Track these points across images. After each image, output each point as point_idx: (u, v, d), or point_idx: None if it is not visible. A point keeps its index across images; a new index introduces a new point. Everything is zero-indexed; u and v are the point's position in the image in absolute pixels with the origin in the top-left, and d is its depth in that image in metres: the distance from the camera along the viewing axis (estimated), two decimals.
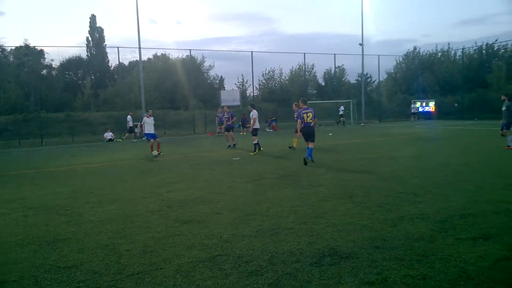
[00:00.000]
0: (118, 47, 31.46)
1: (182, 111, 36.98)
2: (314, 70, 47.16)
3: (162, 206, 6.90)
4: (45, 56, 39.74)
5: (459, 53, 42.11)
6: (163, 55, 44.28)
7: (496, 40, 40.48)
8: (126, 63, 44.25)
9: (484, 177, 8.30)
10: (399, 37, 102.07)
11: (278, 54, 54.28)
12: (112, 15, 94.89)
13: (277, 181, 8.93)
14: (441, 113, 37.78)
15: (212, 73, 45.77)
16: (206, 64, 44.49)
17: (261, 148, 15.03)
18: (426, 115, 38.02)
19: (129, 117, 26.37)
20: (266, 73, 45.46)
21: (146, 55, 46.15)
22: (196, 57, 42.87)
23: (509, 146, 12.99)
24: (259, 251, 4.48)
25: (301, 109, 11.81)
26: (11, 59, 38.57)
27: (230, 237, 5.02)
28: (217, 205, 6.84)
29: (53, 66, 40.76)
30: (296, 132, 15.57)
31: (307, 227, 5.30)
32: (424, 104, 38.89)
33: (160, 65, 43.08)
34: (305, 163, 11.30)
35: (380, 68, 41.44)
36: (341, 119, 33.22)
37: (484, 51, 40.97)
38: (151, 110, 16.29)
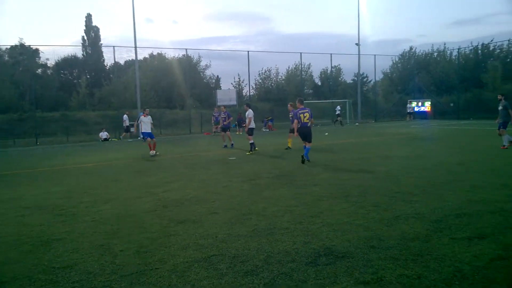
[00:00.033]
0: (113, 46, 31.29)
1: (178, 111, 36.94)
2: (310, 70, 47.38)
3: (157, 206, 6.87)
4: (40, 55, 39.54)
5: (455, 53, 42.31)
6: (159, 54, 44.27)
7: (491, 40, 40.79)
8: (122, 62, 44.14)
9: (479, 177, 8.33)
10: (395, 37, 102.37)
11: (275, 53, 54.42)
12: (108, 14, 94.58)
13: (273, 180, 8.92)
14: (437, 113, 37.93)
15: (208, 72, 45.83)
16: (203, 63, 44.57)
17: (256, 148, 15.01)
18: (422, 115, 38.17)
19: (125, 116, 26.29)
20: (262, 72, 45.62)
21: (142, 54, 46.06)
22: (192, 56, 42.86)
23: (504, 145, 13.05)
24: (254, 251, 4.47)
25: (298, 109, 11.80)
26: (6, 58, 38.34)
27: (225, 237, 5.00)
28: (212, 204, 6.82)
29: (48, 65, 40.68)
30: (291, 132, 15.65)
31: (303, 226, 5.30)
32: (420, 104, 39.04)
33: (156, 64, 43.02)
34: (303, 162, 11.34)
35: (376, 68, 41.57)
36: (339, 118, 33.31)
37: (479, 51, 41.17)
38: (148, 109, 16.24)
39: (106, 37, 79.31)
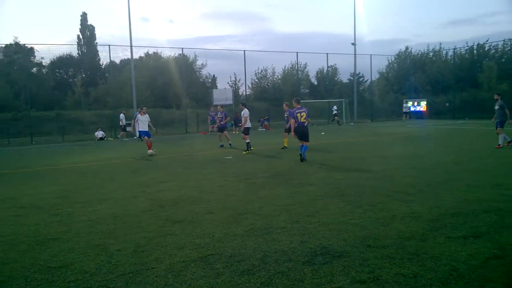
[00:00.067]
0: (109, 45, 31.26)
1: (174, 110, 36.83)
2: (306, 69, 47.37)
3: (153, 206, 6.86)
4: (36, 54, 39.42)
5: (450, 53, 42.50)
6: (155, 54, 44.10)
7: (487, 41, 41.01)
8: (117, 61, 43.92)
9: (475, 176, 8.37)
10: (391, 36, 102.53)
11: (271, 53, 54.47)
12: (104, 13, 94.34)
13: (269, 180, 8.93)
14: (433, 112, 38.06)
15: (204, 71, 45.68)
16: (199, 62, 44.41)
17: (252, 148, 14.98)
18: (418, 114, 38.28)
19: (122, 115, 26.19)
20: (258, 72, 45.57)
21: (138, 53, 45.74)
22: (188, 55, 42.74)
23: (499, 145, 13.13)
24: (251, 250, 4.47)
25: (295, 109, 11.81)
26: (1, 57, 38.09)
27: (222, 237, 5.00)
28: (209, 204, 6.82)
29: (44, 64, 40.39)
30: (286, 131, 15.67)
31: (299, 226, 5.31)
32: (416, 103, 39.16)
33: (152, 63, 42.89)
34: (302, 160, 11.40)
35: (372, 67, 41.75)
36: (336, 118, 33.41)
37: (475, 51, 41.37)
38: (145, 108, 16.18)
39: (101, 36, 78.87)
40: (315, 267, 3.94)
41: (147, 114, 15.77)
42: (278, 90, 43.50)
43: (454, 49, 40.76)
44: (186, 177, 9.78)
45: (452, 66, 40.09)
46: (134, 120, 16.63)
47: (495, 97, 13.96)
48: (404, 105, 39.38)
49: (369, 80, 46.47)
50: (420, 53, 46.56)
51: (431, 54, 45.82)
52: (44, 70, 40.91)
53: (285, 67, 45.91)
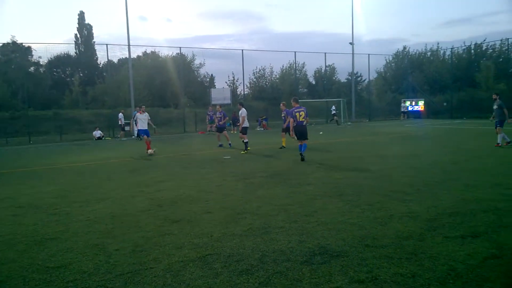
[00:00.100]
0: (107, 44, 31.10)
1: (172, 109, 36.80)
2: (304, 69, 47.42)
3: (151, 205, 6.85)
4: (33, 53, 39.25)
5: (448, 52, 42.54)
6: (153, 53, 44.03)
7: (484, 40, 41.01)
8: (115, 60, 43.80)
9: (473, 176, 8.39)
10: (389, 36, 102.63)
11: (269, 52, 54.21)
12: (101, 12, 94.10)
13: (267, 179, 8.93)
14: (431, 112, 38.15)
15: (202, 71, 45.71)
16: (197, 62, 44.44)
17: (249, 148, 14.91)
18: (416, 114, 38.36)
19: (120, 114, 26.13)
20: (256, 71, 45.57)
21: (136, 52, 45.82)
22: (186, 55, 42.69)
23: (498, 143, 13.19)
24: (249, 250, 4.47)
25: (293, 108, 11.82)
26: None
27: (220, 236, 5.00)
28: (207, 204, 6.82)
29: (41, 63, 40.29)
30: (284, 131, 15.68)
31: (298, 225, 5.31)
32: (413, 103, 39.23)
33: (149, 62, 42.80)
34: (302, 159, 11.42)
35: (370, 67, 41.74)
36: (335, 118, 33.49)
37: (472, 51, 41.40)
38: (144, 106, 16.11)
39: (99, 35, 78.94)
40: (313, 266, 3.94)
41: (146, 113, 15.72)
42: (276, 89, 43.50)
43: (451, 48, 40.88)
44: (185, 177, 9.77)
45: (449, 65, 40.15)
46: (133, 119, 16.59)
47: (494, 96, 14.01)
48: (402, 104, 39.45)
49: (367, 80, 46.54)
50: (417, 52, 46.69)
51: (428, 53, 45.92)
52: (41, 69, 40.81)
53: (283, 66, 45.98)
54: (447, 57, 42.96)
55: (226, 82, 43.64)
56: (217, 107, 18.44)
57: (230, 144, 16.98)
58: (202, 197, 7.33)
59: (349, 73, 44.78)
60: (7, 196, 8.17)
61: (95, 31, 49.98)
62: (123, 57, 41.10)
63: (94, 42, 46.48)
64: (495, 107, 13.74)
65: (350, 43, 37.70)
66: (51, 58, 40.29)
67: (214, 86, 41.98)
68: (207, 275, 3.85)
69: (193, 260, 4.25)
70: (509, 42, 38.24)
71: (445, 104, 38.48)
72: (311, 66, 51.74)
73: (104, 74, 39.94)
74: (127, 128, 26.27)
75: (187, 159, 13.66)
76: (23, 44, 37.33)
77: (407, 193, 6.94)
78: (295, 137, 11.86)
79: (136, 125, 15.78)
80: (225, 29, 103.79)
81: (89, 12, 73.82)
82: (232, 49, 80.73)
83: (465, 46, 41.71)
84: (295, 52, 38.37)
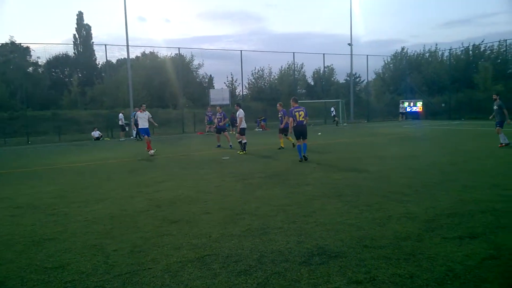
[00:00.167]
0: (105, 45, 31.28)
1: (171, 110, 36.78)
2: (303, 70, 47.46)
3: (150, 206, 6.85)
4: (31, 53, 39.26)
5: (446, 53, 42.71)
6: (152, 53, 43.99)
7: (482, 41, 41.16)
8: (114, 61, 43.86)
9: (471, 177, 8.40)
10: (387, 37, 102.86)
11: (268, 53, 54.66)
12: (100, 12, 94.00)
13: (265, 180, 8.93)
14: (429, 113, 38.22)
15: (201, 71, 45.66)
16: (195, 62, 44.39)
17: (243, 151, 14.66)
18: (414, 115, 38.43)
19: (121, 115, 26.13)
20: (255, 72, 45.59)
21: (134, 53, 45.71)
22: (185, 55, 42.69)
23: (502, 144, 13.23)
24: (248, 251, 4.47)
25: (293, 108, 11.85)
26: None
27: (219, 237, 5.00)
28: (206, 204, 6.82)
29: (39, 63, 40.22)
30: (281, 132, 15.70)
31: (296, 226, 5.31)
32: (412, 104, 39.30)
33: (148, 63, 42.78)
34: (306, 159, 11.50)
35: (368, 68, 41.98)
36: (336, 119, 33.63)
37: (470, 52, 41.53)
38: (144, 105, 16.03)
39: (97, 36, 78.68)
40: (311, 267, 3.95)
41: (146, 111, 15.67)
42: (274, 90, 43.52)
43: (449, 49, 41.05)
44: (183, 177, 9.77)
45: (447, 66, 40.28)
46: (134, 118, 16.56)
47: (494, 96, 14.09)
48: (400, 105, 39.51)
49: (366, 81, 46.70)
50: (416, 53, 46.81)
51: (427, 54, 46.03)
52: (40, 70, 40.73)
53: (281, 67, 46.02)
54: (445, 58, 43.13)
55: (225, 83, 43.71)
56: (217, 108, 18.40)
57: (230, 145, 16.92)
58: (201, 198, 7.33)
59: (347, 74, 45.00)
60: (5, 196, 8.15)
61: (93, 32, 49.99)
62: (122, 57, 41.25)
63: (92, 42, 46.40)
64: (495, 107, 13.81)
65: (349, 44, 37.78)
66: (49, 59, 40.29)
67: (213, 87, 41.98)
68: (206, 276, 3.85)
69: (192, 261, 4.25)
70: (507, 43, 38.41)
71: (443, 105, 38.56)
72: (310, 67, 51.90)
73: (103, 74, 39.93)
74: (127, 128, 26.31)
75: (186, 159, 13.66)
76: (22, 45, 37.41)
77: (405, 194, 6.94)
78: (291, 138, 11.92)
79: (136, 125, 15.71)
80: (224, 30, 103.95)
81: (87, 13, 73.84)
82: (231, 49, 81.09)
83: (463, 47, 41.88)
84: (293, 53, 38.61)
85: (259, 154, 14.22)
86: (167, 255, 4.43)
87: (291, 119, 11.79)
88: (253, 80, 45.93)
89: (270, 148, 15.95)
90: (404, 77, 43.47)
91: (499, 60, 39.24)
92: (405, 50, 47.95)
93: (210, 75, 46.30)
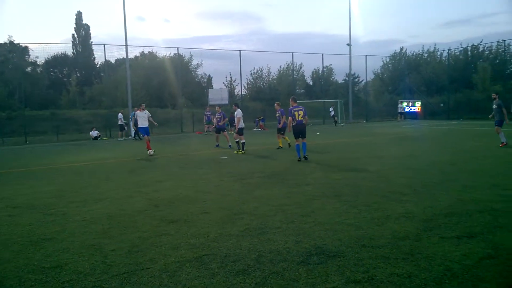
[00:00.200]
0: (104, 45, 31.15)
1: (170, 110, 36.75)
2: (302, 70, 47.44)
3: (148, 206, 6.84)
4: (30, 53, 39.19)
5: (445, 54, 42.73)
6: (151, 53, 43.96)
7: (481, 42, 41.21)
8: (112, 60, 43.75)
9: (471, 177, 8.40)
10: (386, 37, 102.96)
11: (267, 53, 54.62)
12: (99, 12, 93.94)
13: (264, 180, 8.93)
14: (427, 113, 38.27)
15: (200, 71, 45.70)
16: (194, 62, 44.40)
17: (240, 151, 14.63)
18: (413, 115, 38.48)
19: (120, 114, 26.10)
20: (254, 72, 45.62)
21: (133, 52, 45.72)
22: (184, 55, 42.65)
23: (503, 143, 13.26)
24: (246, 251, 4.47)
25: (292, 107, 11.87)
26: None
27: (217, 237, 5.00)
28: (204, 204, 6.81)
29: (38, 63, 40.18)
30: (279, 132, 15.71)
31: (295, 226, 5.31)
32: (410, 104, 39.35)
33: (147, 63, 42.75)
34: (306, 159, 11.56)
35: (367, 68, 41.92)
36: (336, 119, 33.69)
37: (469, 52, 41.58)
38: (143, 104, 15.98)
39: (96, 35, 78.82)
40: (310, 267, 3.95)
41: (146, 110, 15.63)
42: (273, 90, 43.52)
43: (448, 50, 41.07)
44: (182, 177, 9.76)
45: (446, 67, 40.29)
46: (134, 117, 16.54)
47: (493, 96, 14.21)
48: (399, 105, 39.55)
49: (364, 81, 46.67)
50: (414, 54, 46.84)
51: (425, 55, 46.07)
52: (38, 69, 40.68)
53: (280, 67, 46.03)
54: (444, 58, 43.14)
55: (223, 83, 43.74)
56: (217, 108, 18.39)
57: (230, 145, 16.89)
58: (199, 198, 7.33)
59: (346, 74, 45.02)
60: (3, 196, 8.13)
61: (92, 31, 49.89)
62: (121, 57, 41.16)
63: (91, 42, 46.38)
64: (494, 106, 13.87)
65: (348, 44, 37.78)
66: (48, 58, 40.19)
67: (211, 87, 41.98)
68: (204, 276, 3.84)
69: (190, 261, 4.24)
70: (506, 44, 38.45)
71: (442, 105, 38.60)
72: (309, 67, 51.93)
73: (102, 74, 39.86)
74: (126, 128, 26.29)
75: (185, 159, 13.65)
76: (20, 44, 37.30)
77: (404, 194, 6.94)
78: (287, 138, 11.95)
79: (136, 124, 15.67)
80: (223, 30, 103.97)
81: (86, 12, 73.77)
82: (230, 49, 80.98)
83: (461, 47, 41.92)
84: (292, 53, 38.54)
85: (257, 154, 14.22)
86: (165, 255, 4.43)
87: (290, 118, 11.81)
88: (252, 80, 45.99)
89: (269, 148, 15.95)
90: (402, 77, 43.51)
91: (497, 61, 39.29)
92: (404, 51, 48.06)
93: (209, 75, 46.42)
